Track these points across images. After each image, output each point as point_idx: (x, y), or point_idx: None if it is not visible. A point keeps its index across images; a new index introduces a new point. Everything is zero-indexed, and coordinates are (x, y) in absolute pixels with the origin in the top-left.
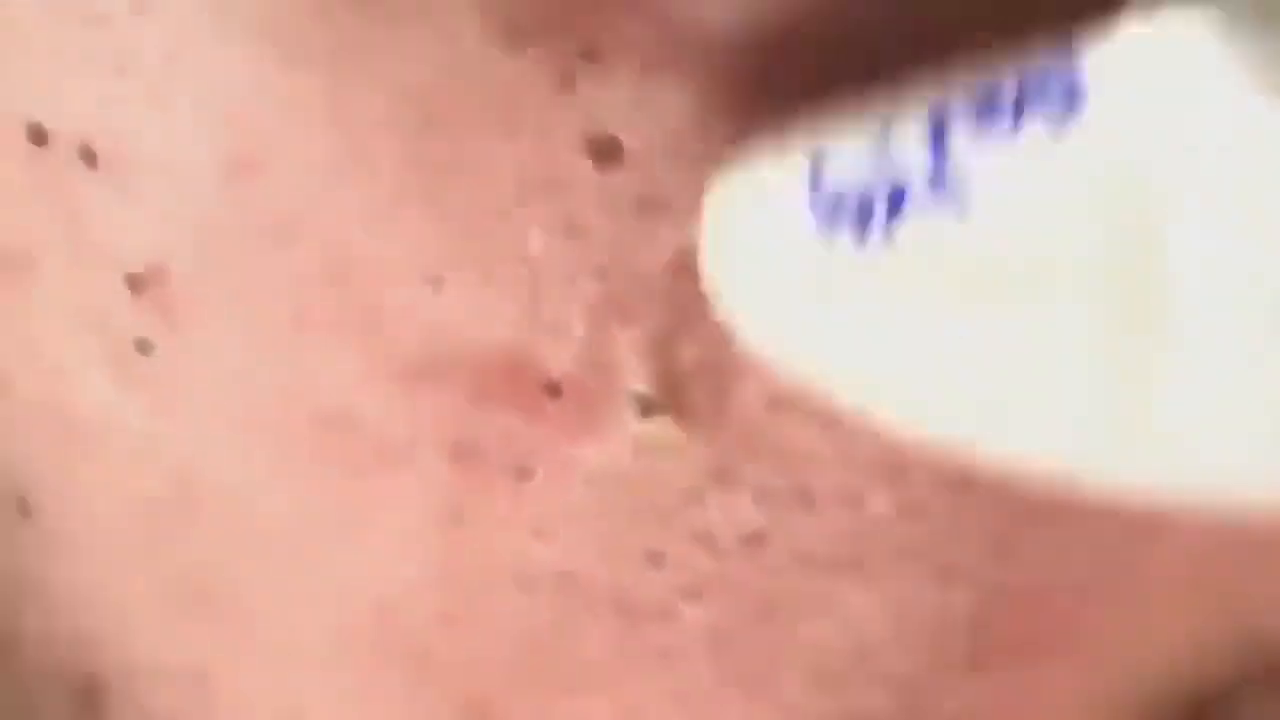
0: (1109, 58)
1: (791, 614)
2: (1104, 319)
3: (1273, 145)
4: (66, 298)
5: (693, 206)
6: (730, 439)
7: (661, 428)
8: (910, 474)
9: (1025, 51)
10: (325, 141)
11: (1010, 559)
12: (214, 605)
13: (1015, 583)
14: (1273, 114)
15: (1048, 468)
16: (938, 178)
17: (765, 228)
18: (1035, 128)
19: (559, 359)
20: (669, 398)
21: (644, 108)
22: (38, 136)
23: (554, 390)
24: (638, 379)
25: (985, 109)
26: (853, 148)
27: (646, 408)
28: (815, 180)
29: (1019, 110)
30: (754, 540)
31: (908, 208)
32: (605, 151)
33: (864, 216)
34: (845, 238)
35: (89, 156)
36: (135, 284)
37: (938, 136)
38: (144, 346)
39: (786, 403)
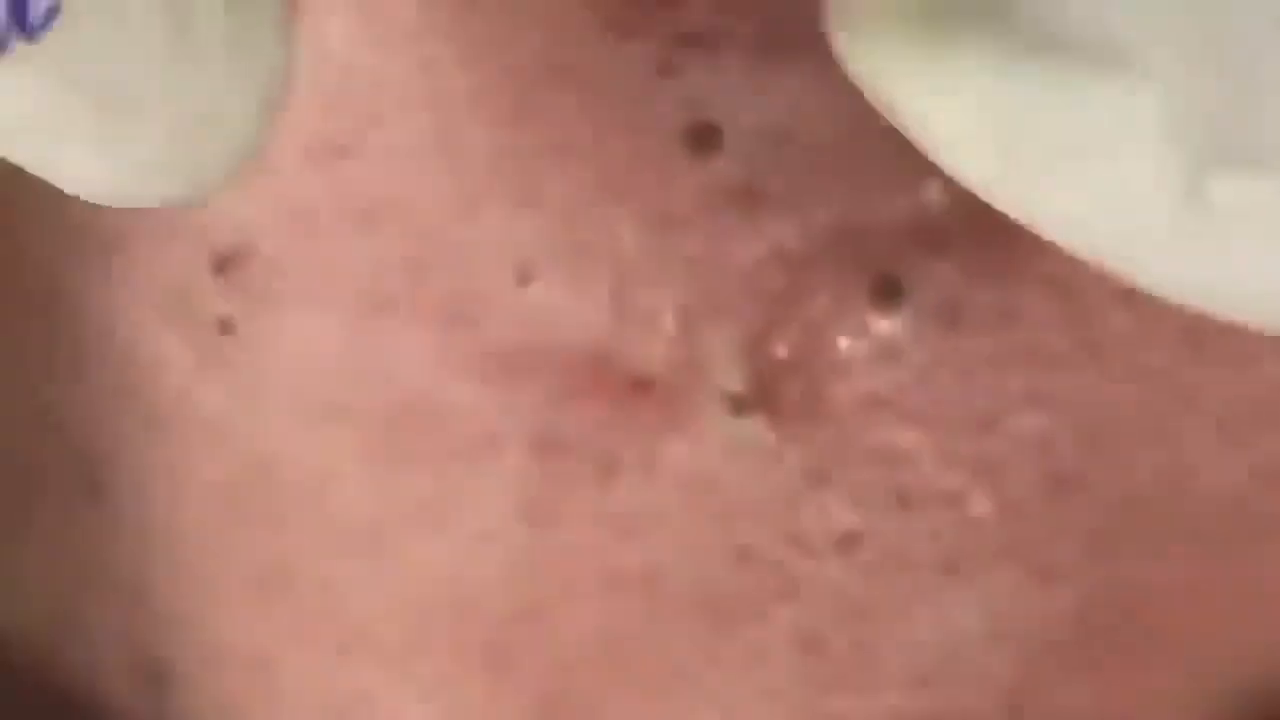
0: None
1: (886, 615)
2: None
3: None
4: (149, 277)
5: (791, 196)
6: (824, 439)
7: (753, 427)
8: (1009, 474)
9: None
10: (417, 126)
11: (1112, 558)
12: (287, 592)
13: (1117, 582)
14: None
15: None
16: None
17: None
18: None
19: (648, 354)
20: (761, 396)
21: (746, 95)
22: None
23: (643, 386)
24: (729, 376)
25: None
26: None
27: (737, 406)
28: None
29: None
30: (849, 541)
31: None
32: (704, 140)
33: None
34: None
35: None
36: (220, 264)
37: None
38: (226, 327)
39: (882, 401)
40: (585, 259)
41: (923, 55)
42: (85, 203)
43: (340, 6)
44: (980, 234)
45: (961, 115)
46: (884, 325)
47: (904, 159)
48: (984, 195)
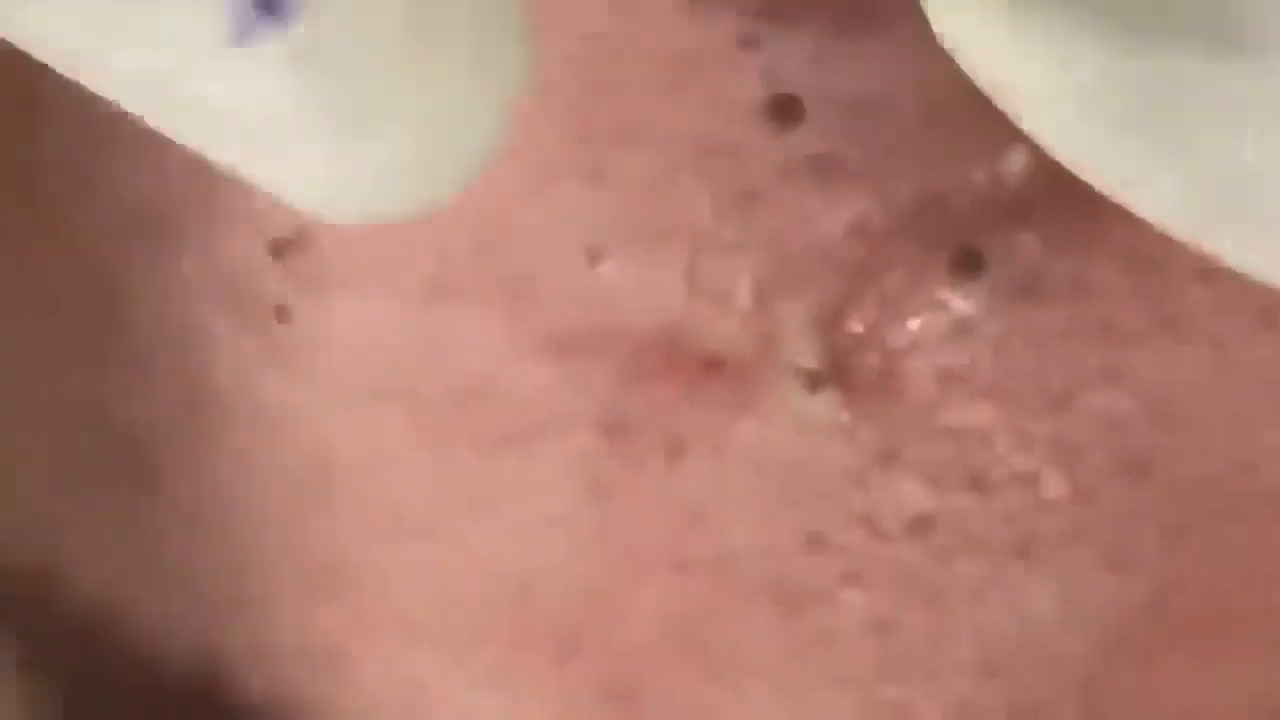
0: None
1: (958, 599)
2: None
3: None
4: (206, 263)
5: (872, 168)
6: (898, 416)
7: (826, 404)
8: (1083, 455)
9: None
10: None
11: (1188, 549)
12: (349, 582)
13: (1193, 567)
14: None
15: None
16: None
17: None
18: None
19: (722, 332)
20: (835, 372)
21: (827, 67)
22: None
23: (714, 365)
24: (803, 352)
25: None
26: None
27: (812, 383)
28: None
29: None
30: (921, 523)
31: None
32: (785, 112)
33: None
34: None
35: None
36: (278, 249)
37: None
38: (283, 314)
39: (957, 377)
40: (659, 236)
41: (1016, 18)
42: (138, 187)
43: None
44: (1061, 205)
45: (1052, 79)
46: (960, 299)
47: (986, 129)
48: (1070, 165)
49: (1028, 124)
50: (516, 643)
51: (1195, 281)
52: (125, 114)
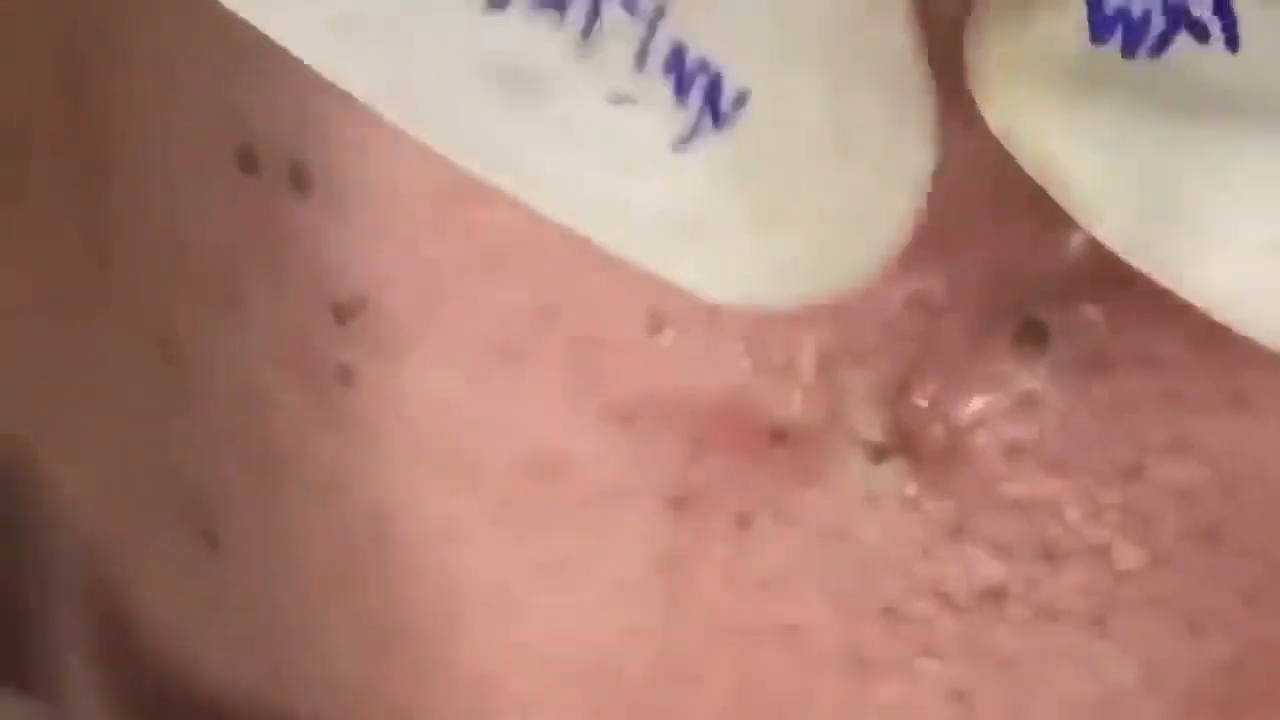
0: None
1: (1035, 669)
2: None
3: None
4: (269, 324)
5: (937, 241)
6: (965, 489)
7: (892, 476)
8: (1157, 525)
9: None
10: None
11: (1265, 609)
12: (413, 645)
13: (1270, 633)
14: None
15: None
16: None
17: (1043, 38)
18: None
19: (785, 402)
20: (900, 444)
21: None
22: (247, 161)
23: (778, 435)
24: (868, 424)
25: None
26: None
27: (877, 455)
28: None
29: None
30: (993, 594)
31: (1182, 30)
32: None
33: (1137, 32)
34: (1116, 49)
35: (300, 179)
36: (341, 313)
37: None
38: (346, 377)
39: (1024, 450)
40: (720, 305)
41: (1066, 107)
42: (204, 245)
43: None
44: (1125, 279)
45: (1104, 170)
46: (1025, 372)
47: (1049, 203)
48: (1124, 254)
49: (1078, 213)
50: (594, 711)
51: (1262, 353)
52: (193, 170)
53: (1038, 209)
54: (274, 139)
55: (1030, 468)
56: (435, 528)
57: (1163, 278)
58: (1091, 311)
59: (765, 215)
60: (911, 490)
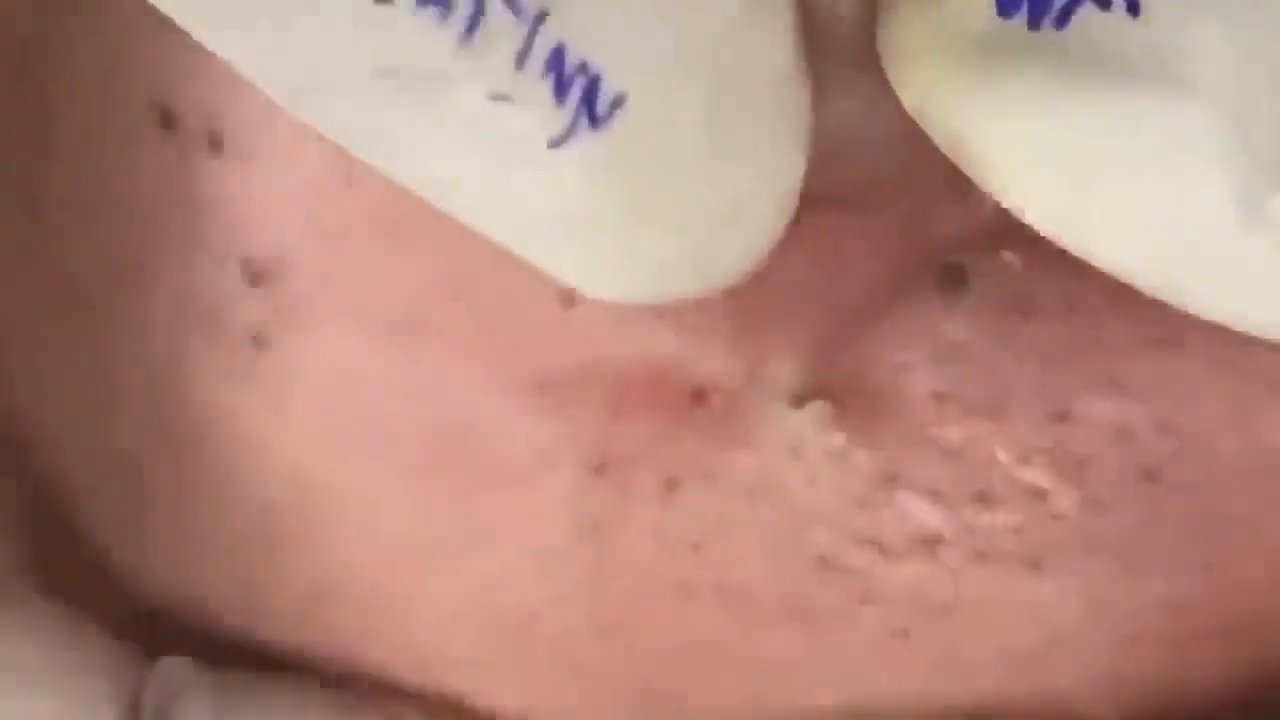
0: None
1: (974, 612)
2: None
3: None
4: (184, 284)
5: (853, 199)
6: (895, 438)
7: (820, 427)
8: (1092, 466)
9: None
10: None
11: (1204, 546)
12: (342, 606)
13: (1211, 570)
14: None
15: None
16: None
17: (953, 15)
18: None
19: (704, 364)
20: (825, 396)
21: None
22: (168, 120)
23: (700, 397)
24: (790, 380)
25: None
26: None
27: (799, 403)
28: None
29: None
30: (928, 541)
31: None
32: None
33: (1042, 4)
34: (1023, 22)
35: (216, 142)
36: (253, 276)
37: None
38: (258, 340)
39: (952, 397)
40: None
41: (975, 85)
42: (124, 204)
43: None
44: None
45: (1013, 140)
46: (947, 319)
47: None
48: (1037, 223)
49: (993, 189)
50: (529, 666)
51: None
52: (118, 130)
53: (951, 165)
54: (194, 101)
55: (958, 413)
56: (356, 490)
57: (1076, 248)
58: (1011, 258)
59: (639, 215)
60: (839, 441)
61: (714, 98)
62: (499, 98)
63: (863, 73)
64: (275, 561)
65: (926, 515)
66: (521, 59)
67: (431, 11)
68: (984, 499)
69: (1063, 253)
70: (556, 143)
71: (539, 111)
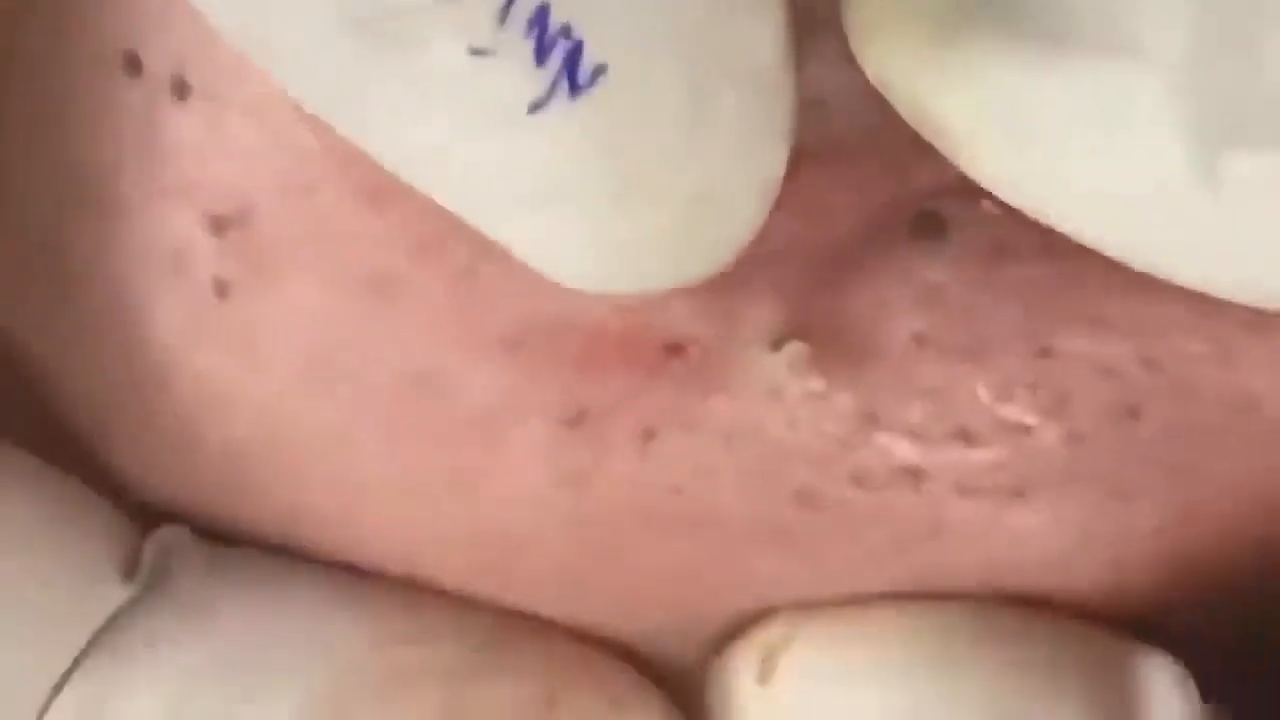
0: None
1: (960, 537)
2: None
3: None
4: (147, 230)
5: (828, 151)
6: (875, 380)
7: (799, 373)
8: (1075, 402)
9: None
10: None
11: (1189, 479)
12: (316, 541)
13: (1196, 498)
14: None
15: (1130, 243)
16: None
17: None
18: None
19: (678, 316)
20: (804, 340)
21: None
22: (133, 67)
23: (676, 349)
24: (768, 328)
25: None
26: None
27: (776, 345)
28: None
29: None
30: (910, 474)
31: None
32: None
33: None
34: None
35: (182, 89)
36: (217, 225)
37: None
38: (221, 288)
39: (931, 340)
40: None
41: (933, 53)
42: (89, 150)
43: None
44: None
45: (973, 110)
46: (925, 264)
47: None
48: (996, 189)
49: (955, 156)
50: (516, 582)
51: None
52: (83, 76)
53: None
54: (159, 48)
55: (938, 354)
56: (327, 434)
57: (1039, 215)
58: (990, 206)
59: (614, 191)
60: (818, 384)
61: (697, 80)
62: (479, 52)
63: (838, 32)
64: (243, 500)
65: (907, 452)
66: (504, 14)
67: None
68: (965, 435)
69: None
70: (536, 106)
71: (519, 71)
